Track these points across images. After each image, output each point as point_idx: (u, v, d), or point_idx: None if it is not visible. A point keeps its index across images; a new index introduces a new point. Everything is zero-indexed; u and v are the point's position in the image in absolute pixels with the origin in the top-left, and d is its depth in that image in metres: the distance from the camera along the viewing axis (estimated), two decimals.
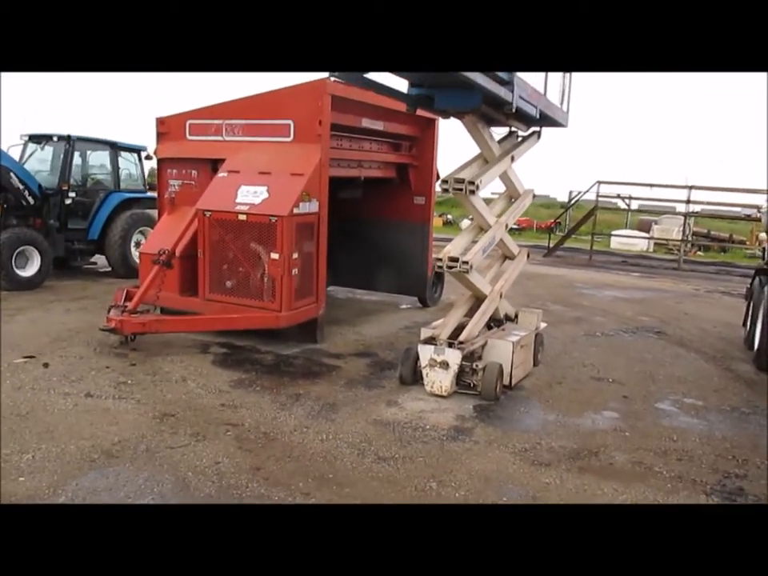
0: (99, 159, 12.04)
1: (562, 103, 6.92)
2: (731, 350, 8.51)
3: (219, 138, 7.82)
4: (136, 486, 3.99)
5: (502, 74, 5.32)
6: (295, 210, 6.81)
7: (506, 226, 6.66)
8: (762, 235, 20.58)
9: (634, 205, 24.97)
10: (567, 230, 22.95)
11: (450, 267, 5.75)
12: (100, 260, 11.91)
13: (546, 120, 6.74)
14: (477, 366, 5.88)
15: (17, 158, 10.81)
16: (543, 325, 7.28)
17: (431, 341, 5.92)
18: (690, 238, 21.87)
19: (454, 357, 5.72)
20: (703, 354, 8.26)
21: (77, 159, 11.34)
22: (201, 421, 5.06)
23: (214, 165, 7.78)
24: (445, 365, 5.74)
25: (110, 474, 4.12)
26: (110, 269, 11.65)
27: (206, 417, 5.15)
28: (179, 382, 5.94)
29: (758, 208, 16.98)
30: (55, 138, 11.03)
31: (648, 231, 25.72)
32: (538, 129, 7.04)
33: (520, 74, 5.65)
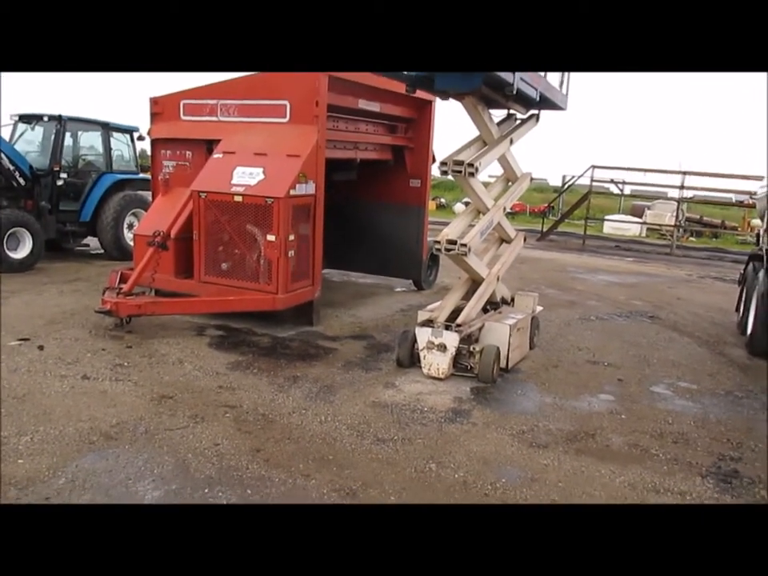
0: (91, 140, 11.91)
1: (561, 86, 6.88)
2: (724, 335, 8.57)
3: (214, 119, 7.74)
4: (136, 467, 3.98)
5: None
6: (292, 192, 6.76)
7: (504, 209, 6.64)
8: (755, 221, 20.72)
9: (627, 190, 24.91)
10: (561, 215, 22.96)
11: (448, 250, 5.74)
12: (92, 242, 11.81)
13: (546, 103, 6.70)
14: (474, 348, 5.89)
15: (6, 139, 10.67)
16: (539, 308, 7.30)
17: (429, 323, 5.92)
18: (682, 224, 21.92)
19: (451, 339, 5.73)
20: (696, 338, 8.31)
21: (68, 140, 11.21)
22: (199, 403, 5.05)
23: (209, 146, 7.70)
24: (442, 347, 5.75)
25: (109, 456, 4.11)
26: (102, 251, 11.57)
27: (204, 399, 5.14)
28: (176, 364, 5.93)
29: (751, 194, 17.02)
30: (46, 118, 10.89)
31: (641, 216, 25.77)
32: (536, 112, 7.00)
33: None
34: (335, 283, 10.17)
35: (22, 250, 9.80)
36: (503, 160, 6.75)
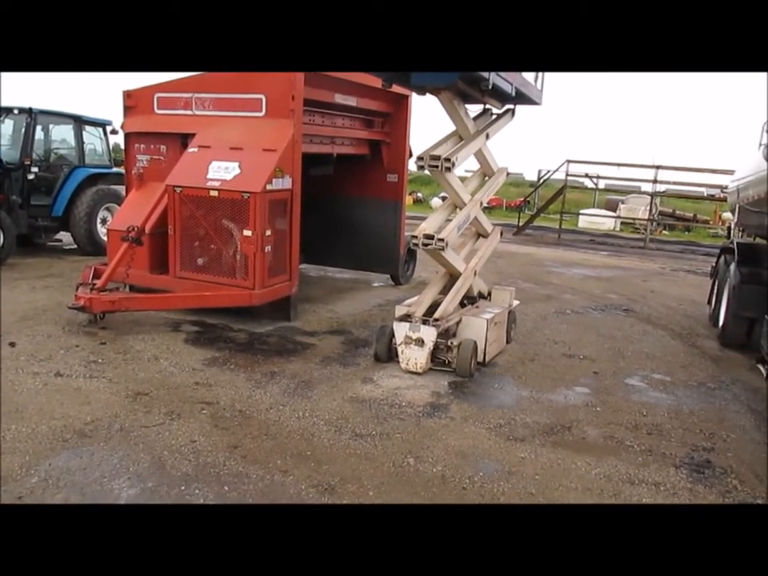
0: (62, 133, 11.70)
1: (536, 81, 6.91)
2: (697, 327, 8.71)
3: (189, 112, 7.64)
4: (111, 465, 3.93)
5: None
6: (268, 187, 6.71)
7: (481, 203, 6.66)
8: (726, 215, 21.07)
9: (602, 184, 25.17)
10: (536, 209, 23.12)
11: (426, 245, 5.75)
12: (65, 237, 11.62)
13: (521, 98, 6.73)
14: (452, 343, 5.91)
15: None
16: (516, 302, 7.35)
17: (406, 318, 5.93)
18: (656, 218, 22.21)
19: (429, 334, 5.75)
20: (670, 330, 8.44)
21: (39, 133, 10.99)
22: (175, 399, 5.00)
23: (184, 140, 7.61)
24: (420, 342, 5.76)
25: (83, 454, 4.05)
26: (75, 246, 11.38)
27: (179, 395, 5.09)
28: (151, 361, 5.86)
29: (722, 188, 17.30)
30: (16, 111, 10.64)
31: (615, 210, 26.06)
32: (512, 106, 7.03)
33: None
34: (312, 278, 10.13)
35: None
36: (479, 155, 6.77)
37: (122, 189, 9.53)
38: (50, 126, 11.38)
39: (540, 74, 6.98)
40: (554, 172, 21.01)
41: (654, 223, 21.97)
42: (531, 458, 4.42)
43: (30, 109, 10.55)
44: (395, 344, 5.95)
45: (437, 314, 5.91)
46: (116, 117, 9.36)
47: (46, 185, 10.99)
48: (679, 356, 7.27)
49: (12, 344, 5.98)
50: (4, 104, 10.82)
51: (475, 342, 5.95)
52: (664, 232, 24.58)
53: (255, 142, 7.01)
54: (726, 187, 12.69)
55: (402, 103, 9.32)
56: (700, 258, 17.25)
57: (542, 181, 24.35)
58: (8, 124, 11.01)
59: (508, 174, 7.30)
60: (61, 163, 11.37)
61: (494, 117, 6.94)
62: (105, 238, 9.00)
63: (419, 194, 31.31)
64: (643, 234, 20.93)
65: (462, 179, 6.98)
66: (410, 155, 9.62)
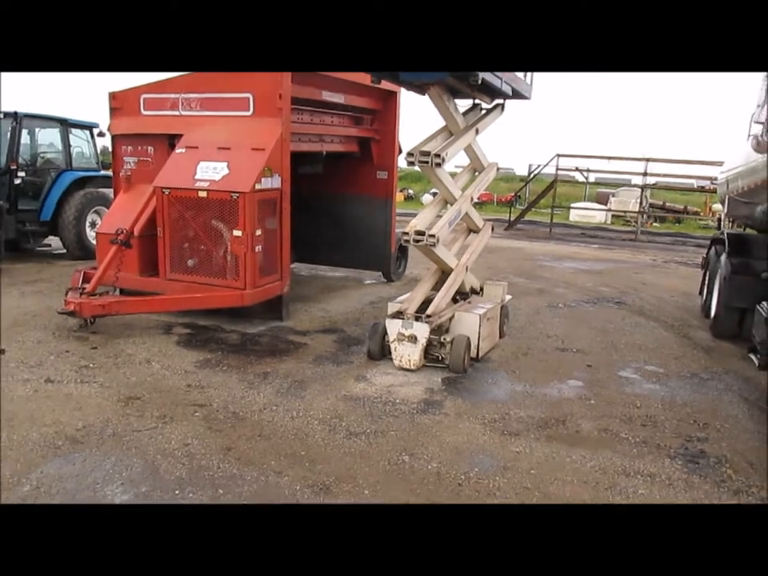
0: (49, 137, 11.61)
1: (525, 76, 6.89)
2: (688, 318, 8.74)
3: (176, 113, 7.59)
4: (104, 471, 3.90)
5: None
6: (257, 186, 6.67)
7: (471, 199, 6.65)
8: (716, 206, 21.15)
9: (592, 178, 25.26)
10: (527, 204, 23.15)
11: (417, 241, 5.73)
12: (54, 241, 11.52)
13: (511, 93, 6.71)
14: (445, 339, 5.90)
15: None
16: (508, 297, 7.34)
17: (399, 315, 5.91)
18: (646, 210, 22.29)
19: (422, 330, 5.73)
20: (662, 322, 8.46)
21: (25, 137, 10.91)
22: (167, 402, 4.96)
23: (171, 140, 7.56)
24: (413, 339, 5.75)
25: (76, 460, 4.01)
26: (64, 251, 11.30)
27: (172, 398, 5.05)
28: (143, 364, 5.82)
29: (712, 179, 17.36)
30: (1, 115, 10.56)
31: (606, 204, 26.14)
32: (501, 101, 7.01)
33: None
34: (304, 277, 10.10)
35: None
36: (469, 150, 6.75)
37: (110, 192, 9.46)
38: (36, 130, 11.31)
39: None
40: (545, 166, 21.05)
41: (645, 215, 22.04)
42: (526, 453, 4.42)
43: (16, 113, 10.46)
44: (388, 341, 5.93)
45: (429, 311, 5.89)
46: (103, 119, 9.33)
47: (33, 189, 10.92)
48: (672, 347, 7.28)
49: (2, 351, 5.92)
50: None
51: (468, 338, 5.94)
52: (655, 224, 24.67)
53: (243, 141, 6.97)
54: (716, 179, 12.73)
55: (391, 99, 9.29)
56: (691, 249, 17.32)
57: (532, 175, 24.38)
58: None
59: (498, 169, 7.29)
60: (48, 167, 11.30)
61: (483, 112, 6.92)
62: (94, 242, 8.94)
63: (410, 191, 31.30)
64: (634, 226, 21.00)
65: (453, 174, 6.96)
66: (400, 152, 9.60)
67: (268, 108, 7.01)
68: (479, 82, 5.52)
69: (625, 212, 24.45)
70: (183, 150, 7.21)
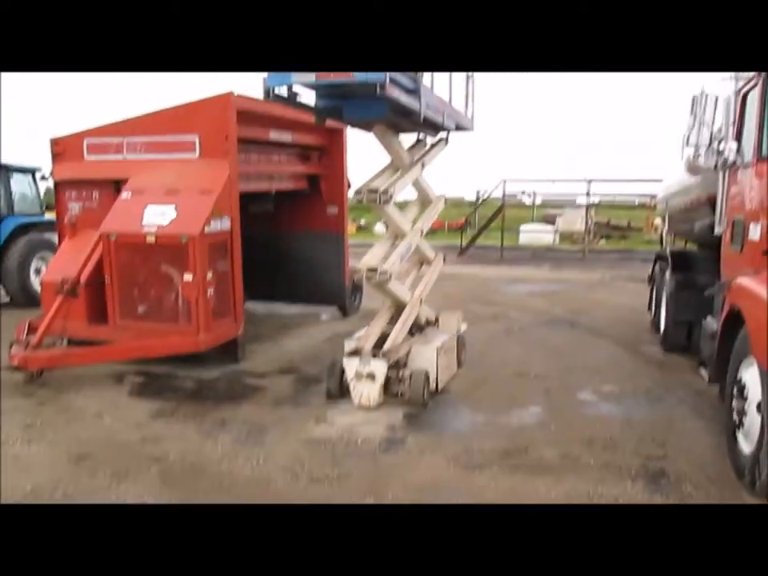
0: None
1: (466, 107, 7.04)
2: (639, 334, 8.96)
3: (120, 157, 7.48)
4: None
5: (407, 83, 5.36)
6: (206, 229, 6.60)
7: (422, 232, 6.71)
8: (658, 221, 21.86)
9: (539, 199, 25.91)
10: (478, 228, 23.51)
11: (369, 278, 5.74)
12: None
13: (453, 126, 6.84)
14: (403, 374, 5.88)
15: None
16: (464, 326, 7.39)
17: (356, 353, 5.87)
18: (592, 228, 22.91)
19: (379, 367, 5.71)
20: (615, 340, 8.65)
21: None
22: (121, 459, 4.79)
23: (117, 185, 7.42)
24: (371, 376, 5.72)
25: None
26: (8, 299, 10.93)
27: (126, 454, 4.89)
28: (94, 418, 5.63)
29: (652, 197, 17.97)
30: None
31: (554, 223, 26.78)
32: (445, 134, 7.13)
33: (425, 81, 5.71)
34: (259, 316, 9.97)
35: None
36: (417, 184, 6.84)
37: (55, 237, 9.23)
38: None
39: (470, 100, 7.10)
40: (492, 192, 21.47)
41: (591, 234, 22.64)
42: (491, 486, 4.41)
43: None
44: (346, 380, 5.88)
45: (386, 347, 5.88)
46: (45, 162, 9.14)
47: None
48: (625, 365, 7.43)
49: None
50: None
51: (426, 371, 5.94)
52: (601, 241, 25.35)
53: (191, 184, 6.90)
54: (656, 196, 13.18)
55: (337, 136, 9.36)
56: (637, 264, 17.80)
57: (480, 201, 24.82)
58: None
59: (446, 201, 7.38)
60: None
61: (428, 146, 7.03)
62: (39, 290, 8.67)
63: (362, 222, 31.46)
64: (581, 245, 21.53)
65: (403, 204, 7.02)
66: (349, 186, 9.66)
67: (214, 150, 6.98)
68: (421, 120, 5.61)
69: (572, 231, 25.08)
70: (129, 195, 7.09)
